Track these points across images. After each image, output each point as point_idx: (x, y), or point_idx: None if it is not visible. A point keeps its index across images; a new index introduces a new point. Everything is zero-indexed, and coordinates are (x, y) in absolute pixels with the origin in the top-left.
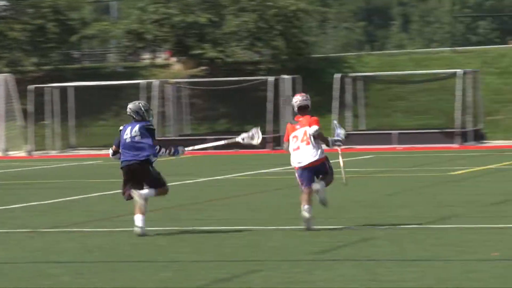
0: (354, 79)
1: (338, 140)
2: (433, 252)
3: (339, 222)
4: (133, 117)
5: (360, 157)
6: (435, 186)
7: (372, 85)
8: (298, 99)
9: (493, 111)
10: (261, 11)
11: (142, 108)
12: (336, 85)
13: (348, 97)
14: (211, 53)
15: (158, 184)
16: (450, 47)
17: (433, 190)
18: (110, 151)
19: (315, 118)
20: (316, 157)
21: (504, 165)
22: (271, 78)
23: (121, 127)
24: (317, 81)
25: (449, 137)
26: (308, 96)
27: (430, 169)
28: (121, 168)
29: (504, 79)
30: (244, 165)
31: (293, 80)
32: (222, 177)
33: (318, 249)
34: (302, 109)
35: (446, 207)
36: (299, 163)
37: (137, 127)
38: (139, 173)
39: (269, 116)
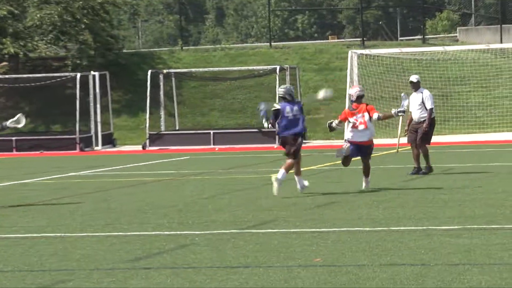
0: (167, 75)
1: (402, 111)
2: (255, 258)
3: (154, 228)
4: (285, 98)
5: (174, 159)
6: (255, 189)
7: (186, 82)
8: (357, 90)
9: (313, 109)
10: (66, 3)
11: (292, 90)
12: (148, 82)
13: (161, 94)
14: (11, 48)
15: (298, 155)
16: (267, 42)
17: (253, 193)
18: (268, 125)
19: (371, 105)
20: (366, 138)
21: (326, 166)
22: (78, 75)
23: (277, 106)
24: (128, 77)
25: (268, 136)
26: (363, 88)
27: (249, 170)
28: (282, 138)
29: (323, 75)
30: (53, 167)
31: (102, 76)
32: (29, 181)
33: (133, 256)
34: (360, 98)
35: (267, 211)
36: (352, 137)
37: (297, 107)
38: (294, 143)
39: (78, 114)
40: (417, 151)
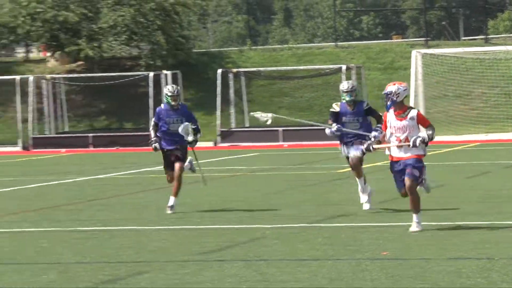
0: (237, 74)
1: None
2: (324, 252)
3: (225, 221)
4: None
5: (244, 155)
6: (322, 184)
7: (255, 81)
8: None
9: (377, 107)
10: (139, 5)
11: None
12: (218, 81)
13: (231, 93)
14: (86, 50)
15: None
16: (333, 42)
17: (320, 188)
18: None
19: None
20: None
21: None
22: (151, 74)
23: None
24: (198, 76)
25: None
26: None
27: (316, 166)
28: None
29: (388, 74)
30: (125, 163)
31: (174, 75)
32: (103, 176)
33: (206, 249)
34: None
35: (334, 206)
36: None
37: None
38: None
39: (151, 112)
40: None
